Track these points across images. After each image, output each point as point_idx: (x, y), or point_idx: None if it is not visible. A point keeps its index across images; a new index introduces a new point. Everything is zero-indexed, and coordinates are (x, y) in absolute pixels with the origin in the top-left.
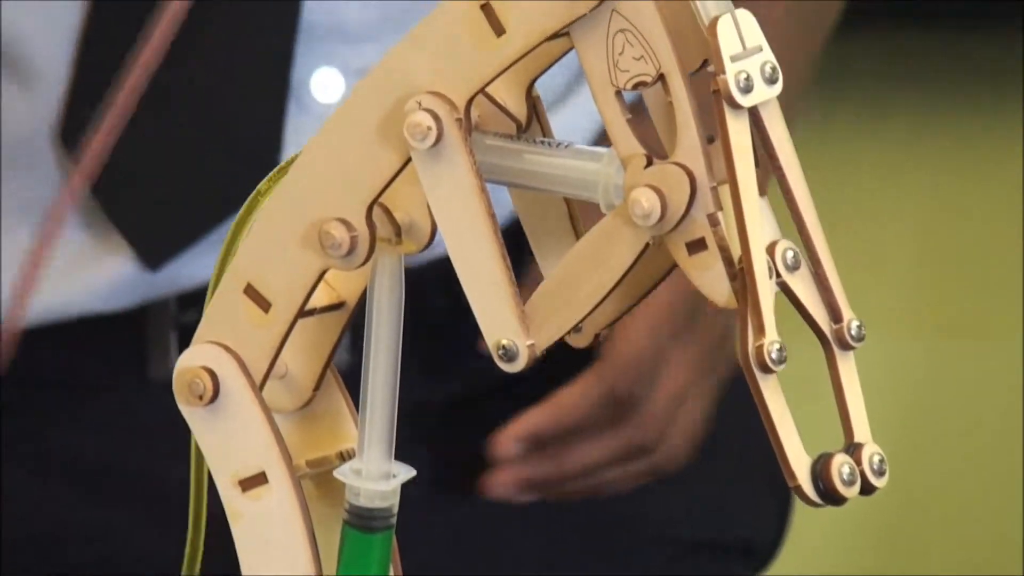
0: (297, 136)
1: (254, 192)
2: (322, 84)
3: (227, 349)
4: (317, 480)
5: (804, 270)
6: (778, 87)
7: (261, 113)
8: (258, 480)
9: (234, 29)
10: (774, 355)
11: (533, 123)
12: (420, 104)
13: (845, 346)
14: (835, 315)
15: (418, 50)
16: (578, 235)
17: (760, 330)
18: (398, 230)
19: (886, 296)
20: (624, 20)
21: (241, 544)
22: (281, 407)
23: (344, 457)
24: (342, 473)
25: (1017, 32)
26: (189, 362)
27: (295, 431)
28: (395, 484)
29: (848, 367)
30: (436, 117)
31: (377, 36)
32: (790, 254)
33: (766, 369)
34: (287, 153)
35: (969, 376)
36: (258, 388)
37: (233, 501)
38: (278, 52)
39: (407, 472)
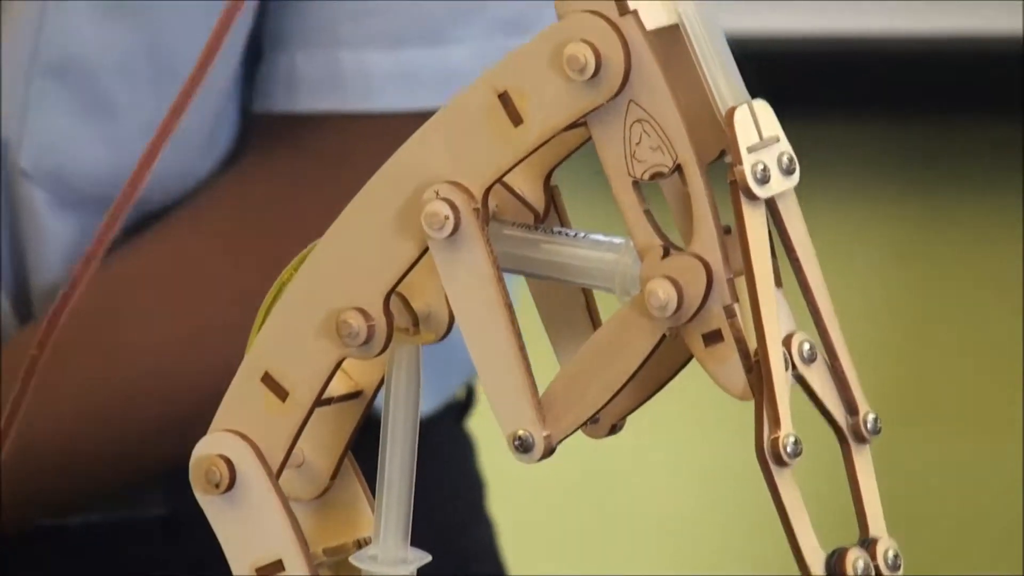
0: None
1: (277, 282)
2: None
3: (244, 437)
4: (335, 568)
5: (820, 362)
6: (795, 178)
7: None
8: (275, 568)
9: None
10: (789, 448)
11: (551, 212)
12: (438, 193)
13: (861, 439)
14: (851, 408)
15: (436, 138)
16: (595, 325)
17: (776, 423)
18: (416, 319)
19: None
20: (641, 111)
21: None
22: (298, 495)
23: (361, 545)
24: (358, 559)
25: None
26: (206, 450)
27: (312, 519)
28: (411, 569)
29: (864, 460)
30: (454, 207)
31: None
32: (806, 346)
33: (781, 463)
34: None
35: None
36: (275, 477)
37: None
38: None
39: (422, 558)
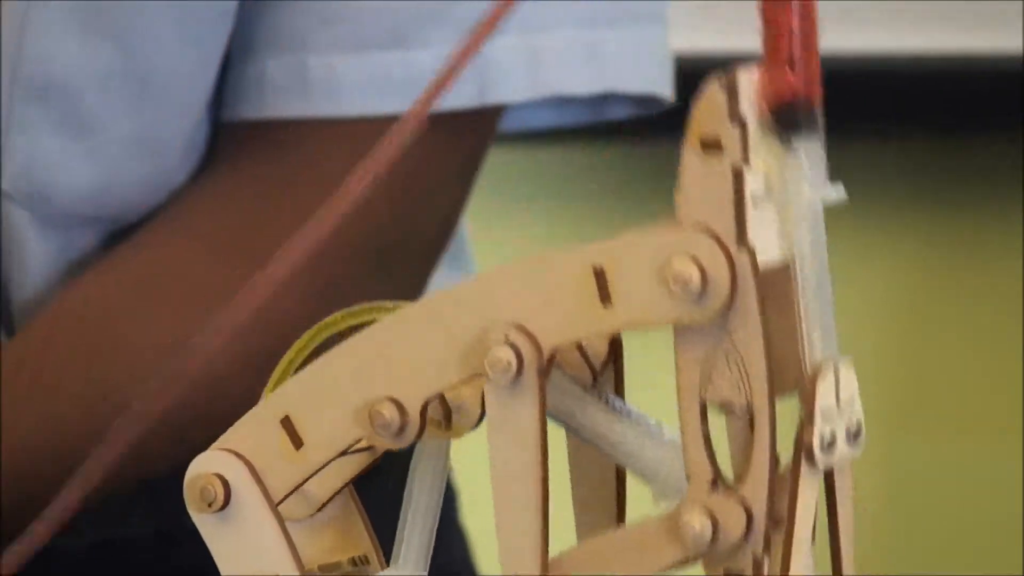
0: None
1: (320, 324)
2: None
3: (239, 456)
4: None
5: None
6: (859, 448)
7: None
8: None
9: None
10: None
11: (607, 370)
12: (507, 338)
13: None
14: None
15: (520, 283)
16: (620, 503)
17: None
18: (448, 414)
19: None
20: (731, 344)
21: None
22: (293, 515)
23: (357, 563)
24: None
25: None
26: (202, 468)
27: (307, 537)
28: None
29: None
30: (519, 357)
31: None
32: None
33: None
34: None
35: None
36: (271, 496)
37: None
38: None
39: None
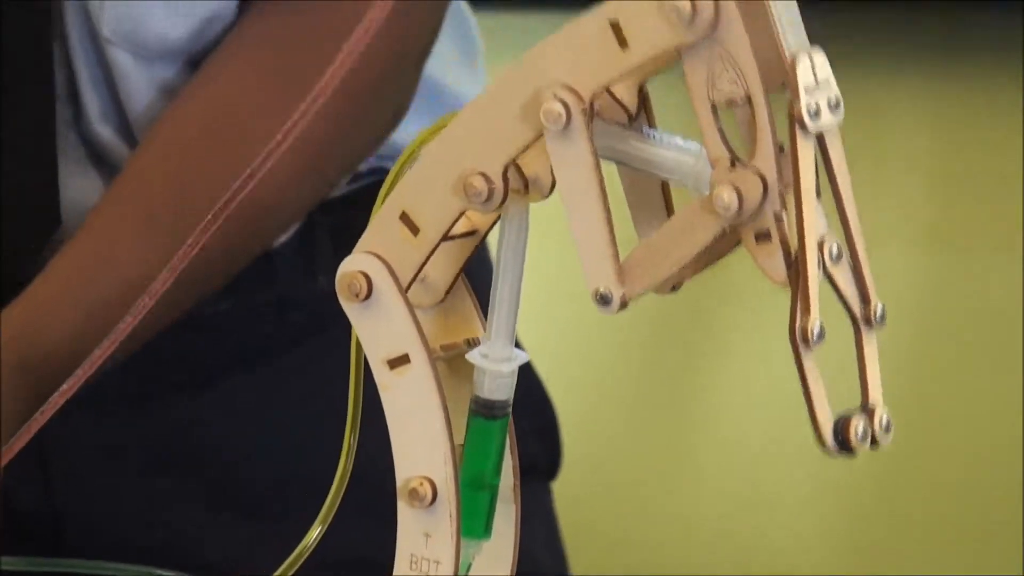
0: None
1: (416, 140)
2: None
3: (379, 257)
4: (449, 362)
5: (844, 262)
6: (840, 115)
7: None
8: (402, 360)
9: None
10: (816, 331)
11: (641, 114)
12: (555, 95)
13: (870, 324)
14: (864, 299)
15: (556, 50)
16: (669, 210)
17: (807, 311)
18: (527, 183)
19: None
20: (724, 51)
21: (389, 410)
22: (421, 303)
23: (471, 344)
24: (472, 356)
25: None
26: (350, 267)
27: (432, 322)
28: (513, 366)
29: (871, 342)
30: (567, 107)
31: None
32: (835, 248)
33: (808, 344)
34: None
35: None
36: (404, 289)
37: (382, 376)
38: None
39: (522, 357)
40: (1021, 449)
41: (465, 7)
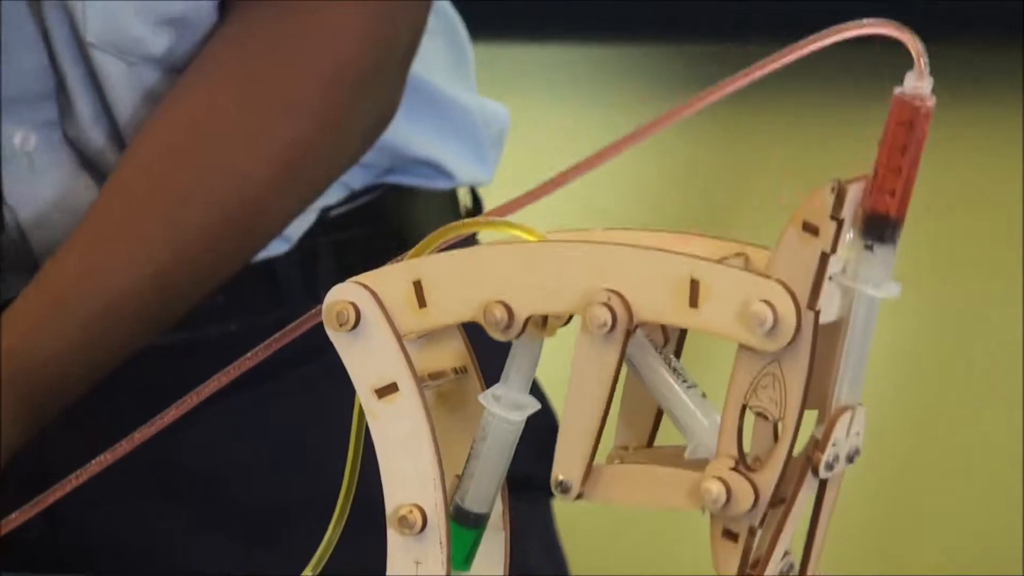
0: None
1: (452, 225)
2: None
3: (367, 287)
4: (436, 390)
5: None
6: (854, 463)
7: None
8: (391, 389)
9: None
10: None
11: (675, 337)
12: (607, 303)
13: None
14: None
15: (632, 261)
16: (653, 433)
17: None
18: (544, 320)
19: None
20: (779, 370)
21: (378, 439)
22: (408, 333)
23: (457, 372)
24: (484, 398)
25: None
26: (338, 296)
27: (418, 350)
28: (524, 415)
29: None
30: (615, 318)
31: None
32: (787, 567)
33: None
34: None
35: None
36: (392, 319)
37: (371, 405)
38: None
39: (534, 406)
40: (1021, 449)
41: (450, 9)
